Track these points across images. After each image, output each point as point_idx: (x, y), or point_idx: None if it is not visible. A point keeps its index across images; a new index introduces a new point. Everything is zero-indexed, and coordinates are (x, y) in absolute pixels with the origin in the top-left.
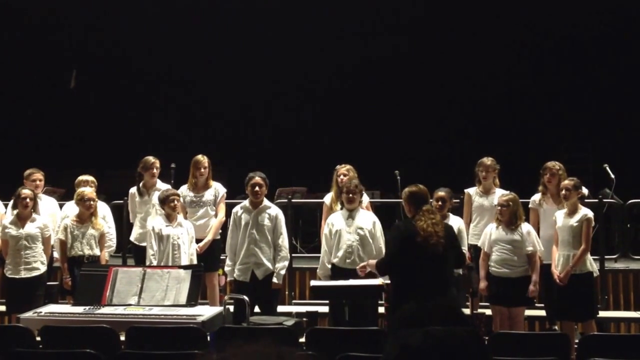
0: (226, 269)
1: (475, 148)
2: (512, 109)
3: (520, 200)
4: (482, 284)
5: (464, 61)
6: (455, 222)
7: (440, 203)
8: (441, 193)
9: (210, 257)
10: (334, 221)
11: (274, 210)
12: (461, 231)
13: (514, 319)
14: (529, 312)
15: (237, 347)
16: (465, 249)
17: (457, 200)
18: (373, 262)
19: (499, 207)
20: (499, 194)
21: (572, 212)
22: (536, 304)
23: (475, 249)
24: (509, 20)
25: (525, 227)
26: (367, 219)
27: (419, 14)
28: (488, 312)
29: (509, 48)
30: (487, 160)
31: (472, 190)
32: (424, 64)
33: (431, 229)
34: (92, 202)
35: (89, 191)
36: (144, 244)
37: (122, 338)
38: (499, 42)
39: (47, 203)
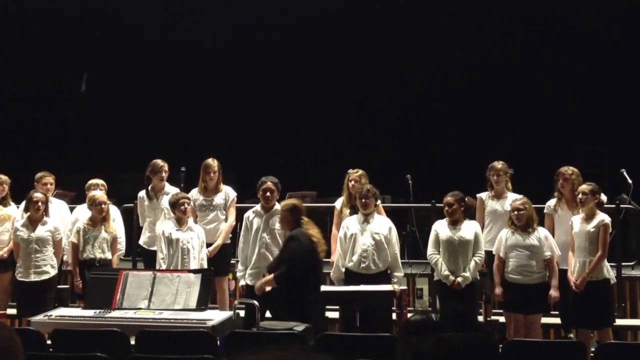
0: (238, 273)
1: (488, 152)
2: (527, 112)
3: (536, 205)
4: (498, 290)
5: (476, 63)
6: (471, 227)
7: (447, 208)
8: (448, 198)
9: (220, 261)
10: (349, 225)
11: None
12: (478, 235)
13: (531, 327)
14: (544, 320)
15: (268, 352)
16: (482, 253)
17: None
18: (270, 277)
19: (515, 212)
20: (512, 199)
21: (589, 218)
22: (551, 312)
23: (488, 255)
24: (525, 20)
25: (542, 231)
26: (383, 224)
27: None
28: (502, 319)
29: (524, 51)
30: (498, 164)
31: (484, 195)
32: (437, 68)
33: (320, 236)
34: (104, 206)
35: (101, 195)
36: (153, 248)
37: (132, 342)
38: (515, 44)
39: (57, 206)
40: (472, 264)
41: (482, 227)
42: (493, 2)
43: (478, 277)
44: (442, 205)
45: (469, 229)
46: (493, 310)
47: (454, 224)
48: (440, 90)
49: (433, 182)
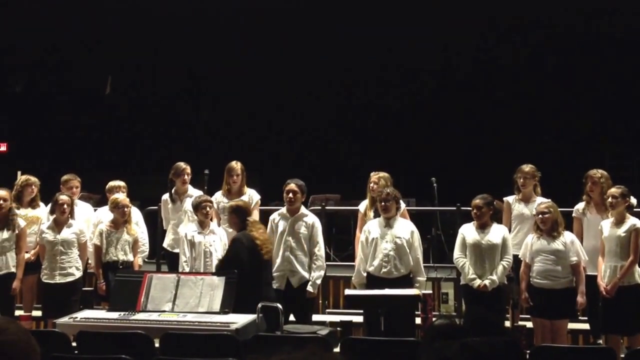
0: None
1: (516, 154)
2: (556, 114)
3: (564, 209)
4: (523, 296)
5: (504, 65)
6: (499, 230)
7: (476, 211)
8: (476, 201)
9: None
10: (371, 229)
11: (311, 218)
12: (506, 239)
13: (557, 332)
14: (572, 326)
15: (284, 354)
16: (510, 258)
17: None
18: None
19: (539, 215)
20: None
21: (619, 222)
22: (579, 317)
23: (515, 260)
24: (555, 25)
25: (569, 236)
26: (405, 228)
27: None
28: (529, 324)
29: (555, 52)
30: (526, 167)
31: (511, 199)
32: (465, 71)
33: (265, 237)
34: (126, 209)
35: (123, 197)
36: (176, 251)
37: (156, 344)
38: (545, 45)
39: (82, 209)
40: (500, 268)
41: (509, 231)
42: (525, 3)
43: (505, 282)
44: (467, 208)
45: (497, 232)
46: (520, 316)
47: (482, 227)
48: (468, 93)
49: (458, 185)
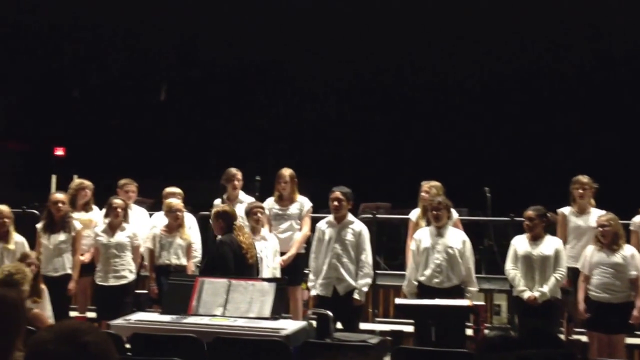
0: (309, 283)
1: (571, 165)
2: (611, 125)
3: (621, 222)
4: (581, 307)
5: (560, 73)
6: (552, 243)
7: (528, 223)
8: (529, 212)
9: (294, 270)
10: (422, 237)
11: (358, 225)
12: (560, 252)
13: (614, 347)
14: (629, 340)
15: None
16: (564, 271)
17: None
18: None
19: (600, 228)
20: (596, 214)
21: None
22: (636, 332)
23: (573, 272)
24: (609, 29)
25: (629, 249)
26: (457, 238)
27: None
28: (584, 338)
29: (610, 61)
30: (584, 178)
31: (566, 210)
32: (518, 79)
33: (250, 241)
34: (179, 213)
35: (177, 202)
36: None
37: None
38: (603, 55)
39: (137, 213)
40: (552, 280)
41: (563, 243)
42: (577, 10)
43: (559, 295)
44: (521, 219)
45: (549, 244)
46: (575, 330)
47: (534, 239)
48: (523, 101)
49: (512, 195)
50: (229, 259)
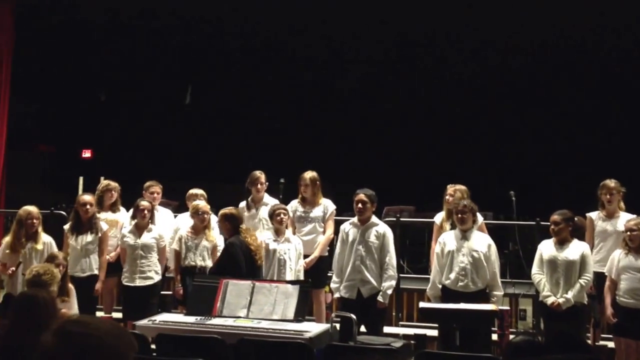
0: (332, 285)
1: (598, 169)
2: (636, 129)
3: None
4: (609, 312)
5: (587, 79)
6: (579, 247)
7: (553, 227)
8: (555, 217)
9: (317, 273)
10: (447, 241)
11: (382, 227)
12: (586, 257)
13: None
14: None
15: None
16: (590, 276)
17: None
18: None
19: (628, 232)
20: (625, 219)
21: None
22: None
23: (598, 277)
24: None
25: None
26: (482, 242)
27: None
28: (610, 344)
29: None
30: (611, 183)
31: (594, 215)
32: (545, 87)
33: (258, 243)
34: (206, 215)
35: (204, 204)
36: None
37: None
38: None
39: (163, 214)
40: (577, 286)
41: (592, 248)
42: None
43: (585, 301)
44: (546, 223)
45: (575, 249)
46: (602, 335)
47: (561, 243)
48: (550, 105)
49: (538, 199)
50: (240, 260)
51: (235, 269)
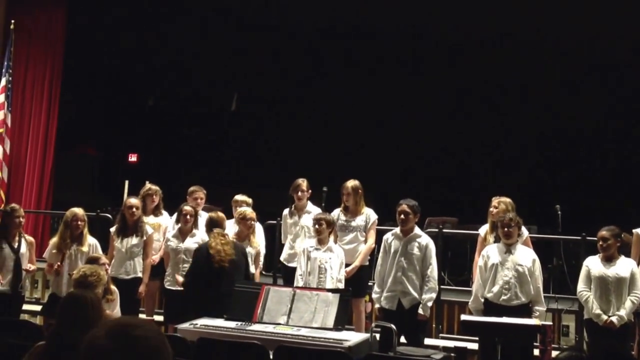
0: (374, 295)
1: None
2: None
3: None
4: None
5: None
6: (627, 264)
7: (602, 243)
8: (603, 232)
9: (358, 282)
10: (490, 254)
11: (425, 239)
12: (635, 274)
13: None
14: None
15: None
16: (639, 293)
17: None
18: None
19: None
20: None
21: None
22: None
23: None
24: None
25: None
26: (526, 256)
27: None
28: None
29: None
30: None
31: None
32: (590, 99)
33: (220, 247)
34: (252, 222)
35: (250, 211)
36: (292, 265)
37: (270, 356)
38: None
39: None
40: (628, 303)
41: (638, 265)
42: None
43: (632, 318)
44: (592, 239)
45: (624, 266)
46: None
47: (608, 260)
48: (595, 117)
49: (584, 214)
50: (202, 265)
51: (199, 275)
